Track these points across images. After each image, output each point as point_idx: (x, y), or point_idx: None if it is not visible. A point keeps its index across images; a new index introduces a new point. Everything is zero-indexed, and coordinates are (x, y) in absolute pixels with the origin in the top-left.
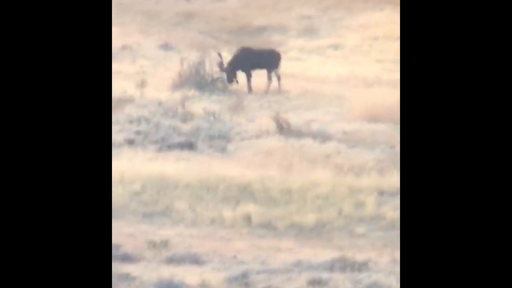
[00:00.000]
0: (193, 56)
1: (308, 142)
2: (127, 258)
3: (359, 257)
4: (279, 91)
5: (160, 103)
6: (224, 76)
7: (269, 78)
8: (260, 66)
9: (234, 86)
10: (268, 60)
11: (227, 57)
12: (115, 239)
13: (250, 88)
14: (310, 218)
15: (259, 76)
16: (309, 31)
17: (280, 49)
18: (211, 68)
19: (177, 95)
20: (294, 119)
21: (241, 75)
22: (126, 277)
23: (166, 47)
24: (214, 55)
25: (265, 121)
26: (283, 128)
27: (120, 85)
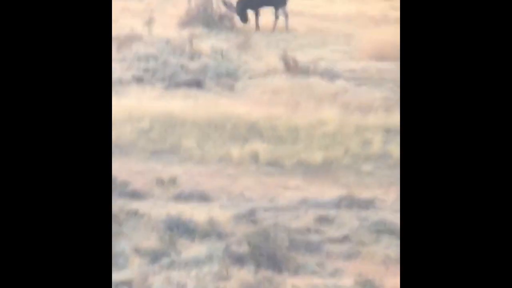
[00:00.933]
0: None
1: (315, 80)
2: (135, 195)
3: (366, 195)
4: (287, 29)
5: (167, 41)
6: (231, 13)
7: (277, 16)
8: (268, 3)
9: (241, 24)
10: None
11: None
12: (124, 176)
13: (257, 26)
14: (317, 156)
15: (267, 14)
16: None
17: None
18: (219, 6)
19: (185, 33)
20: (302, 57)
21: (248, 13)
22: (135, 213)
23: None
24: None
25: (273, 60)
26: (290, 67)
27: (127, 23)
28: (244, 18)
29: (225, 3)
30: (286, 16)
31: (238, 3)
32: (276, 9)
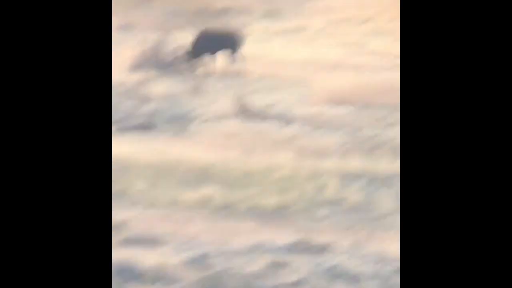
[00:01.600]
0: (154, 37)
1: (270, 124)
2: None
3: (320, 239)
4: (241, 73)
5: (118, 84)
6: (186, 58)
7: (231, 60)
8: (222, 47)
9: (195, 67)
10: (230, 42)
11: (188, 38)
12: None
13: (211, 70)
14: (271, 201)
15: (221, 57)
16: (273, 13)
17: (243, 31)
18: (172, 49)
19: (136, 76)
20: (256, 101)
21: (202, 57)
22: None
23: (125, 27)
24: (175, 36)
25: (227, 103)
26: (244, 111)
27: None
28: (193, 62)
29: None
30: (241, 60)
31: (190, 46)
32: (231, 53)
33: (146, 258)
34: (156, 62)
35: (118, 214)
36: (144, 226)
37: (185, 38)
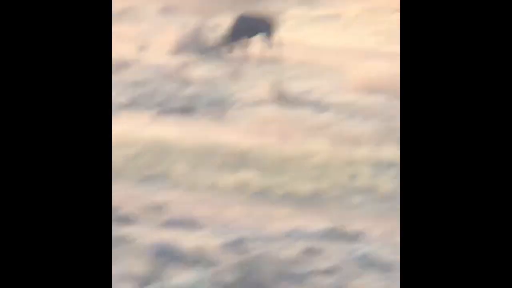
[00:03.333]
0: (193, 21)
1: (305, 111)
2: (124, 220)
3: (353, 227)
4: (278, 59)
5: (159, 67)
6: (224, 42)
7: (268, 46)
8: (260, 32)
9: (233, 52)
10: (267, 27)
11: (227, 23)
12: (114, 201)
13: (248, 56)
14: (306, 187)
15: (259, 42)
16: (309, 0)
17: (280, 17)
18: (212, 34)
19: (177, 60)
20: (292, 88)
21: (240, 42)
22: (124, 238)
23: (166, 10)
24: (214, 20)
25: (264, 89)
26: (280, 97)
27: (119, 48)
28: (231, 46)
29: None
30: (278, 46)
31: (228, 30)
32: (268, 39)
33: (186, 240)
34: (196, 45)
35: (159, 195)
36: (184, 209)
37: (224, 22)
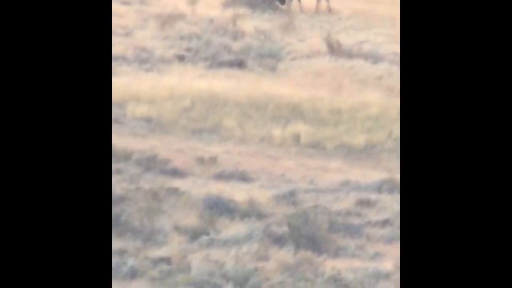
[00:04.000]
0: None
1: (359, 63)
2: (176, 173)
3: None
4: (331, 11)
5: (211, 20)
6: None
7: None
8: None
9: (285, 5)
10: None
11: None
12: (164, 154)
13: (301, 7)
14: (359, 139)
15: None
16: None
17: None
18: None
19: (228, 12)
20: (345, 39)
21: None
22: (175, 191)
23: None
24: None
25: (316, 41)
26: (334, 49)
27: (171, 1)
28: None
29: None
30: None
31: None
32: None
33: (237, 193)
34: None
35: (209, 149)
36: (236, 161)
37: None
